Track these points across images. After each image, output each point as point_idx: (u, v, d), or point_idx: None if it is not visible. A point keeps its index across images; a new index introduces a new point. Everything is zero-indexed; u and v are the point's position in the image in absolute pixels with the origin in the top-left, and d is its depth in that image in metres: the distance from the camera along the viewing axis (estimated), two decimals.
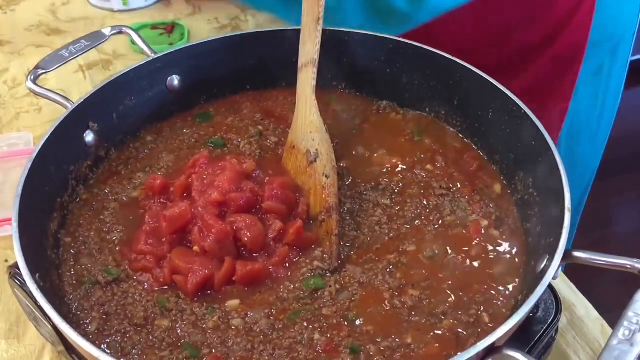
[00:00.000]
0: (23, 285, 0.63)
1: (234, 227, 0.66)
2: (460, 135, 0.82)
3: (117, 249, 0.70)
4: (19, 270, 0.62)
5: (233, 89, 0.87)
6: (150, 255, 0.67)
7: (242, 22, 1.20)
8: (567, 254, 0.60)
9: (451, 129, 0.82)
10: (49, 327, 0.63)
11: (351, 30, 0.84)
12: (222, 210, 0.68)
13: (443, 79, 0.81)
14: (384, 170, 0.78)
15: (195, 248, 0.66)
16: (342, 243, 0.69)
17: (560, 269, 0.59)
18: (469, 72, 0.78)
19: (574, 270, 0.74)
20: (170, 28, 1.16)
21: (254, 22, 1.20)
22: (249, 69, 0.86)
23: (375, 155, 0.80)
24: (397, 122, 0.84)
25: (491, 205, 0.74)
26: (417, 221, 0.72)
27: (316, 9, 0.79)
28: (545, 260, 0.60)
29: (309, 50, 0.79)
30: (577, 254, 0.60)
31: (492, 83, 0.76)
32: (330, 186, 0.72)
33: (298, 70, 0.79)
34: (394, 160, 0.79)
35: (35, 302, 0.62)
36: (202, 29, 1.15)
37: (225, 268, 0.65)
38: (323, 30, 0.79)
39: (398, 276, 0.66)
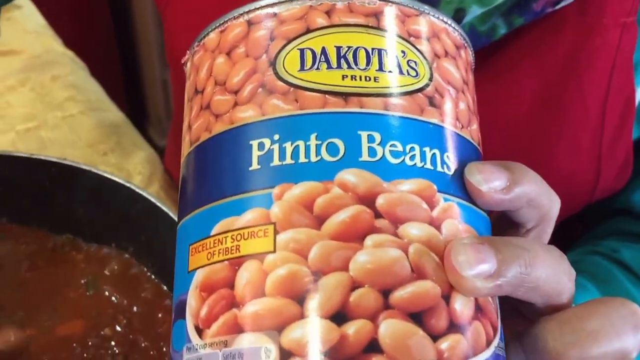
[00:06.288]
0: None
1: None
2: (154, 278, 0.68)
3: None
4: None
5: None
6: None
7: None
8: None
9: (144, 270, 0.69)
10: None
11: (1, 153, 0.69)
12: None
13: (122, 208, 0.67)
14: (45, 346, 0.63)
15: None
16: None
17: None
18: (146, 202, 0.64)
19: None
20: None
21: None
22: None
23: (35, 323, 0.64)
24: (76, 265, 0.69)
25: None
26: None
27: None
28: None
29: None
30: None
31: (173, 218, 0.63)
32: None
33: None
34: (60, 328, 0.64)
35: None
36: None
37: None
38: None
39: None
